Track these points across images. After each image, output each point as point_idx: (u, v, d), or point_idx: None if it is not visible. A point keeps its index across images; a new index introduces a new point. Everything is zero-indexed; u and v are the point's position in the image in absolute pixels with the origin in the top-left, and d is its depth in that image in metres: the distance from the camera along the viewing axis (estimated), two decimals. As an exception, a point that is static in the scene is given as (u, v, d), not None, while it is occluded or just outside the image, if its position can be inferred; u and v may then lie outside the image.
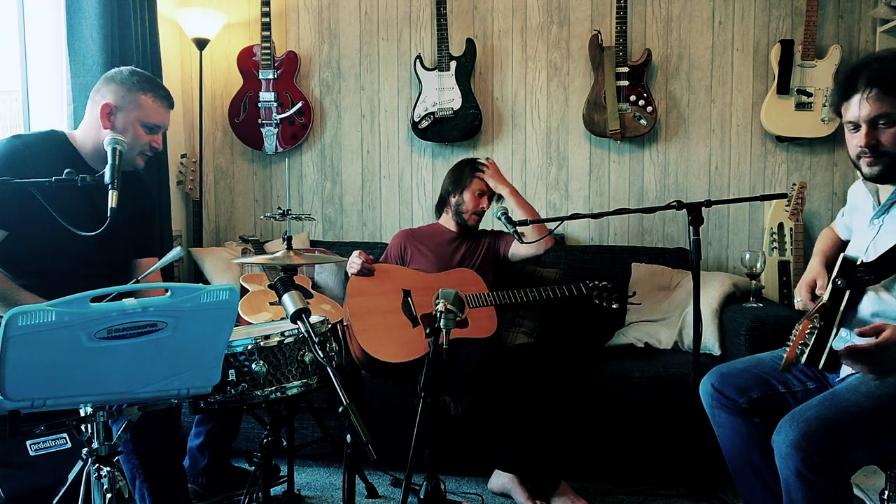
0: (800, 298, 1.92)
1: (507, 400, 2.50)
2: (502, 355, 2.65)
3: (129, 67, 2.17)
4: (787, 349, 1.76)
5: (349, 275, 2.82)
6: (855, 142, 1.75)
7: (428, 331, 2.16)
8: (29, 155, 2.00)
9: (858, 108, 1.70)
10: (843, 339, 1.82)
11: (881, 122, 1.69)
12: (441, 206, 3.09)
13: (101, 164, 2.17)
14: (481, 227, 3.08)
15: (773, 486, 1.88)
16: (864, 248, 1.83)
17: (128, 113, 2.10)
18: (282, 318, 2.44)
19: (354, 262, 2.78)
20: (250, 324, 2.79)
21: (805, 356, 1.88)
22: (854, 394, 1.67)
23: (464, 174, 2.98)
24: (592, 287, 2.83)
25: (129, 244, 2.27)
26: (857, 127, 1.74)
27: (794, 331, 1.77)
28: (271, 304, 3.00)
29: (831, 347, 1.84)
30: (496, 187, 2.94)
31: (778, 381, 1.92)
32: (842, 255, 1.82)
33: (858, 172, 1.83)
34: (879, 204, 1.84)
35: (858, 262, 1.76)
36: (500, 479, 2.59)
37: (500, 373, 2.54)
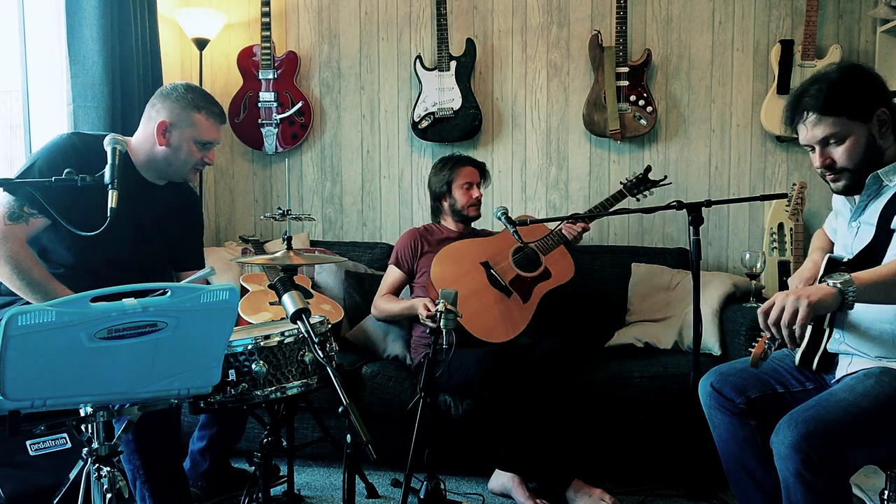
0: None
1: (508, 400, 2.49)
2: (513, 359, 2.61)
3: (184, 83, 2.19)
4: (756, 345, 1.73)
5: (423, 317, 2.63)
6: (814, 163, 1.83)
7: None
8: (86, 152, 2.01)
9: (806, 132, 1.78)
10: (836, 340, 1.81)
11: (831, 140, 1.76)
12: (437, 212, 3.06)
13: (152, 175, 2.22)
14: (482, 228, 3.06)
15: (767, 488, 1.88)
16: (847, 250, 1.87)
17: (182, 130, 2.13)
18: (282, 318, 2.44)
19: (422, 314, 2.62)
20: (250, 324, 2.79)
21: (798, 358, 1.88)
22: (851, 393, 1.67)
23: (445, 173, 2.96)
24: (630, 186, 3.03)
25: (166, 253, 2.30)
26: (812, 148, 1.81)
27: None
28: (271, 304, 3.00)
29: (825, 349, 1.84)
30: None
31: (777, 382, 1.92)
32: (827, 255, 1.85)
33: None
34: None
35: (843, 262, 1.80)
36: (501, 479, 2.59)
37: (505, 376, 2.53)
